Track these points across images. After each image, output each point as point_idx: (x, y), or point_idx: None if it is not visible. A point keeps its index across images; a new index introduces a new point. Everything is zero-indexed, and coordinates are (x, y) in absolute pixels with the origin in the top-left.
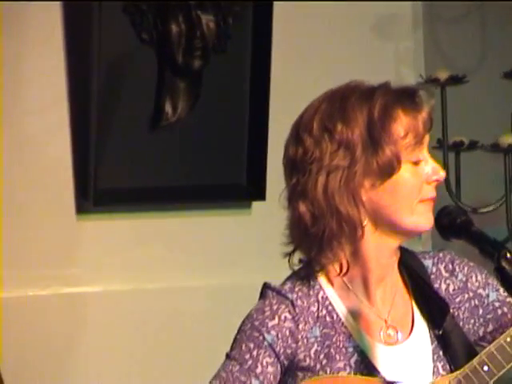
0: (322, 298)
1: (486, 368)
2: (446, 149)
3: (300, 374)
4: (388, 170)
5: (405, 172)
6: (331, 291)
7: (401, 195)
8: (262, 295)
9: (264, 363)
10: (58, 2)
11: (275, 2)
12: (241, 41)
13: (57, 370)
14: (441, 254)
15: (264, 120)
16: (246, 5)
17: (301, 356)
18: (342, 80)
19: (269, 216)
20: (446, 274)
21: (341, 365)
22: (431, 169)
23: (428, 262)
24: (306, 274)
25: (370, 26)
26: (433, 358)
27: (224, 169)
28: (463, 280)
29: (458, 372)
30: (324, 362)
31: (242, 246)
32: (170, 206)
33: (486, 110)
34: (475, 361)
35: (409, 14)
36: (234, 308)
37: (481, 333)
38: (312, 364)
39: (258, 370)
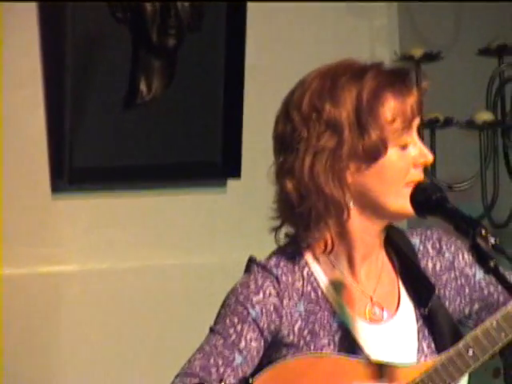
0: (308, 274)
1: (470, 352)
2: (421, 126)
3: (284, 350)
4: (373, 155)
5: (392, 156)
6: (317, 267)
7: (387, 179)
8: (247, 269)
9: (248, 338)
10: None
11: None
12: (215, 20)
13: (33, 349)
14: (428, 232)
15: (239, 98)
16: None
17: (285, 332)
18: (317, 58)
19: (244, 194)
20: (433, 253)
21: (325, 341)
22: (418, 152)
23: (415, 240)
24: (291, 250)
25: (344, 4)
26: (418, 336)
27: (199, 147)
28: (450, 259)
29: (442, 354)
30: (308, 338)
31: (217, 224)
32: (144, 184)
33: (461, 87)
34: (461, 344)
35: None
36: (210, 286)
37: (466, 311)
38: (296, 340)
39: (242, 344)
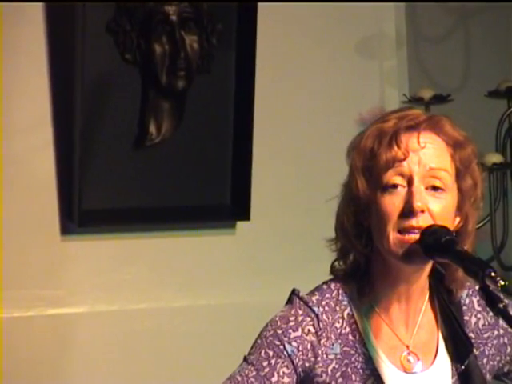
0: (348, 315)
1: None
2: None
3: None
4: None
5: (378, 199)
6: (358, 309)
7: (376, 222)
8: (289, 302)
9: (281, 373)
10: (42, 23)
11: (259, 23)
12: (225, 62)
13: None
14: (477, 287)
15: (248, 140)
16: (230, 25)
17: (318, 371)
18: (328, 100)
19: (253, 236)
20: (479, 308)
21: None
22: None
23: (463, 292)
24: (335, 288)
25: (354, 45)
26: None
27: (208, 189)
28: (494, 317)
29: None
30: (340, 380)
31: (226, 266)
32: (154, 226)
33: (470, 130)
34: None
35: (393, 33)
36: (220, 328)
37: (505, 369)
38: (328, 380)
39: (274, 378)
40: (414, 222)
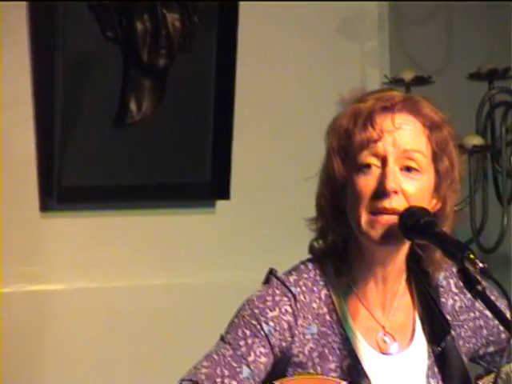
0: (325, 295)
1: None
2: None
3: (291, 368)
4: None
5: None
6: (335, 290)
7: (350, 201)
8: (267, 281)
9: (257, 352)
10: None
11: (241, 2)
12: (206, 40)
13: (21, 368)
14: (454, 269)
15: (229, 119)
16: (212, 4)
17: (294, 351)
18: (308, 80)
19: (233, 214)
20: (456, 290)
21: (332, 366)
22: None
23: (441, 275)
24: (313, 268)
25: (335, 26)
26: (427, 373)
27: (189, 167)
28: (471, 299)
29: None
30: (316, 360)
31: (206, 244)
32: (133, 204)
33: (451, 111)
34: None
35: (374, 14)
36: (198, 306)
37: (481, 352)
38: (304, 360)
39: (251, 358)
40: (386, 203)
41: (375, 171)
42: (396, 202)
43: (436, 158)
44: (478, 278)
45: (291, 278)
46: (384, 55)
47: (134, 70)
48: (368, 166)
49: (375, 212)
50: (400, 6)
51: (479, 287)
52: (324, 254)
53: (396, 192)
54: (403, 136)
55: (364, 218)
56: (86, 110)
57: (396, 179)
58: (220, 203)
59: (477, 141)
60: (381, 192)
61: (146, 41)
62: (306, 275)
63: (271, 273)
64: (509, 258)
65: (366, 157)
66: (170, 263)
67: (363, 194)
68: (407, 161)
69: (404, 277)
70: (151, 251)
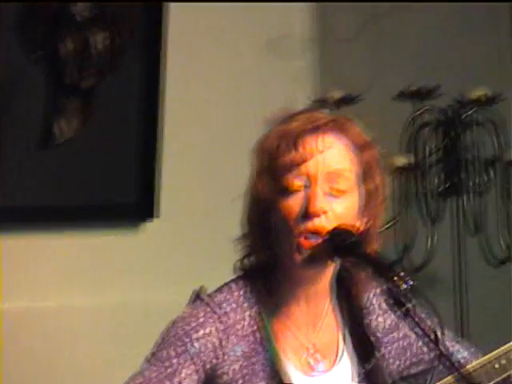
0: (250, 315)
1: None
2: None
3: None
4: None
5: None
6: (261, 310)
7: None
8: (193, 302)
9: (183, 374)
10: None
11: (167, 22)
12: (132, 61)
13: None
14: (378, 290)
15: (154, 139)
16: (138, 25)
17: (220, 372)
18: (236, 100)
19: (159, 235)
20: (380, 311)
21: None
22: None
23: (365, 295)
24: (239, 288)
25: (263, 45)
26: None
27: (114, 188)
28: (396, 319)
29: None
30: (241, 381)
31: (132, 265)
32: (59, 225)
33: (378, 131)
34: None
35: (302, 33)
36: (124, 326)
37: (405, 373)
38: (229, 381)
39: (177, 379)
40: (313, 224)
41: (302, 192)
42: (323, 223)
43: (362, 178)
44: (406, 297)
45: (216, 299)
46: (312, 75)
47: (59, 92)
48: (295, 187)
49: (302, 234)
50: (328, 25)
51: (406, 306)
52: (251, 273)
53: (323, 213)
54: (329, 157)
55: (290, 240)
56: (10, 132)
57: (323, 200)
58: (146, 224)
59: (403, 161)
60: (308, 213)
61: (72, 62)
62: (231, 295)
63: (197, 294)
64: (435, 278)
65: (293, 178)
66: (95, 284)
67: (290, 216)
68: (334, 182)
69: (330, 297)
70: (76, 272)
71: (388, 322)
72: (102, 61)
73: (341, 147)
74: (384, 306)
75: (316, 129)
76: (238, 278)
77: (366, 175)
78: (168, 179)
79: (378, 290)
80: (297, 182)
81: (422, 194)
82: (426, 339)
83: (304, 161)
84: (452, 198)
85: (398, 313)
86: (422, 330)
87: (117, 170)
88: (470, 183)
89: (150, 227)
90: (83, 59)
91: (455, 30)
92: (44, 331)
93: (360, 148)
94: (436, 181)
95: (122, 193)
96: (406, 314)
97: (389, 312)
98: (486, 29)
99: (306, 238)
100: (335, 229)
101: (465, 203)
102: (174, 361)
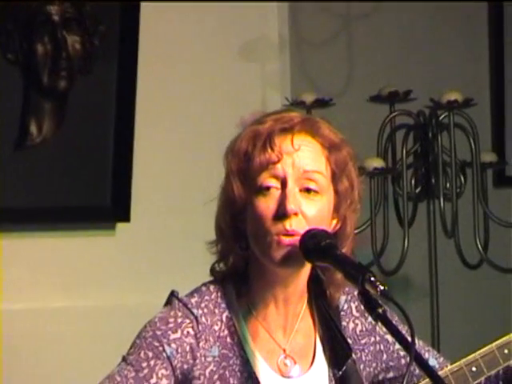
0: (226, 317)
1: None
2: None
3: None
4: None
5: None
6: (236, 312)
7: (252, 226)
8: (168, 303)
9: (159, 374)
10: None
11: (142, 24)
12: (107, 63)
13: None
14: (355, 292)
15: (129, 142)
16: (113, 27)
17: (196, 373)
18: (210, 103)
19: (133, 237)
20: (357, 314)
21: None
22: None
23: (342, 298)
24: (214, 290)
25: (236, 48)
26: None
27: (89, 190)
28: (372, 323)
29: None
30: (217, 383)
31: (106, 267)
32: (33, 226)
33: (352, 134)
34: None
35: (276, 36)
36: (98, 329)
37: (380, 377)
38: (205, 383)
39: (153, 380)
40: (287, 224)
41: (275, 193)
42: (296, 224)
43: (335, 178)
44: (379, 300)
45: (193, 300)
46: (285, 78)
47: (34, 93)
48: (267, 188)
49: (276, 234)
50: (301, 28)
51: (380, 310)
52: (225, 276)
53: (296, 214)
54: (302, 157)
55: (265, 240)
56: None
57: (296, 201)
58: (120, 226)
59: (377, 163)
60: (281, 214)
61: (47, 63)
62: (207, 297)
63: (173, 295)
64: (409, 281)
65: (266, 179)
66: (69, 286)
67: (263, 217)
68: (307, 182)
69: (305, 299)
70: (51, 274)
71: (365, 325)
72: (77, 62)
73: (314, 147)
74: (360, 308)
75: (289, 128)
76: (212, 281)
77: (338, 175)
78: (142, 181)
79: (356, 293)
80: (271, 182)
81: (396, 196)
82: (402, 343)
83: (278, 160)
84: (426, 201)
85: (374, 316)
86: (394, 335)
87: (91, 171)
88: (445, 186)
89: (124, 229)
90: (59, 60)
91: (430, 32)
92: (16, 333)
93: (333, 148)
94: (410, 184)
95: (97, 195)
96: (379, 318)
97: (365, 315)
98: (462, 31)
99: (281, 237)
100: (310, 230)
101: (440, 206)
102: (151, 361)
